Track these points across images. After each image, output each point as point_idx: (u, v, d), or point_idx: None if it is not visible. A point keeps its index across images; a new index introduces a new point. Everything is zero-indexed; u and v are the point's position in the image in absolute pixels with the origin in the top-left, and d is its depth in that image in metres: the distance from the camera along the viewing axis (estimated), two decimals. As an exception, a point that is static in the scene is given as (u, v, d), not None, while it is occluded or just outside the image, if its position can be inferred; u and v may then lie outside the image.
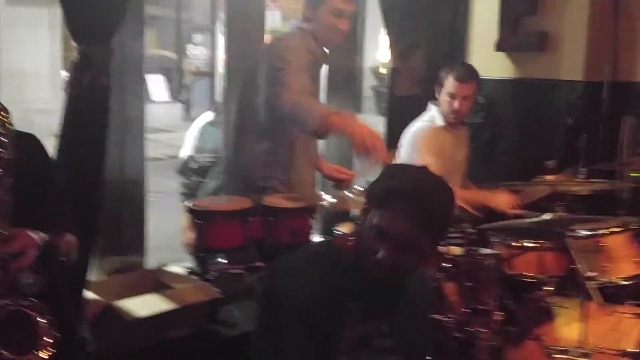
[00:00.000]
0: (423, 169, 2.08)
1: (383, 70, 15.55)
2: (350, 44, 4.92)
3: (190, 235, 3.89)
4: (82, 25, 2.96)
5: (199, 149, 4.37)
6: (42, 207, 2.04)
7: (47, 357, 1.78)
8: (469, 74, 4.05)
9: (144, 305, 3.11)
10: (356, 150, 3.21)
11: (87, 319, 3.04)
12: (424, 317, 2.27)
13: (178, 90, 17.14)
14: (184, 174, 4.41)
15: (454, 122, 4.10)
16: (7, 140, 1.84)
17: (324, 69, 3.96)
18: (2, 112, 1.84)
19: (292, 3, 12.08)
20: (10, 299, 1.80)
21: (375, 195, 1.99)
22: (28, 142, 2.12)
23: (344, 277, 2.00)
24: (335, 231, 3.54)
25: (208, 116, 4.58)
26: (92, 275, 3.48)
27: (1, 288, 1.81)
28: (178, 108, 16.23)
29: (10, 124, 1.85)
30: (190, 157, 4.39)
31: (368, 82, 18.17)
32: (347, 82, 4.88)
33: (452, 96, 4.02)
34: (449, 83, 4.02)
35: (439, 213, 1.96)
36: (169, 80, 16.91)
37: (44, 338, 1.79)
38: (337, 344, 1.97)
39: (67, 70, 3.06)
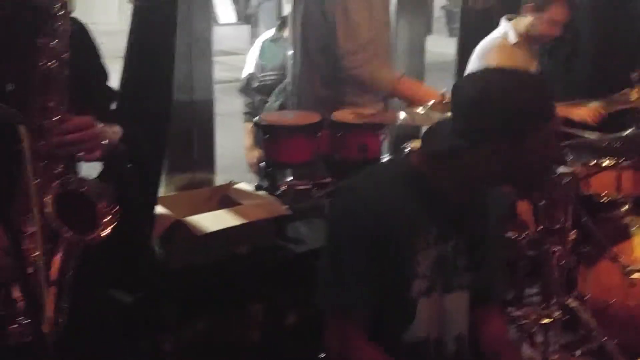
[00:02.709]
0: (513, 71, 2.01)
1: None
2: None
3: (254, 155, 3.89)
4: None
5: (261, 67, 4.28)
6: (89, 92, 1.93)
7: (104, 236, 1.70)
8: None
9: (213, 220, 3.12)
10: None
11: (157, 234, 3.07)
12: (499, 233, 2.20)
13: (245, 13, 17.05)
14: (247, 93, 4.34)
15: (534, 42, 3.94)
16: (62, 10, 1.71)
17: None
18: None
19: None
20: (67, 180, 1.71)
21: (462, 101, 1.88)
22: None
23: (421, 194, 1.92)
24: (405, 148, 3.49)
25: (269, 33, 4.46)
26: (163, 191, 3.52)
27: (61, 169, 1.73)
28: (245, 30, 16.14)
29: None
30: (253, 75, 4.30)
31: (439, 2, 17.83)
32: (417, 2, 4.71)
33: (555, 24, 3.85)
34: (557, 10, 3.82)
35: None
36: (236, 2, 16.80)
37: (102, 218, 1.72)
38: (415, 265, 1.92)
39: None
